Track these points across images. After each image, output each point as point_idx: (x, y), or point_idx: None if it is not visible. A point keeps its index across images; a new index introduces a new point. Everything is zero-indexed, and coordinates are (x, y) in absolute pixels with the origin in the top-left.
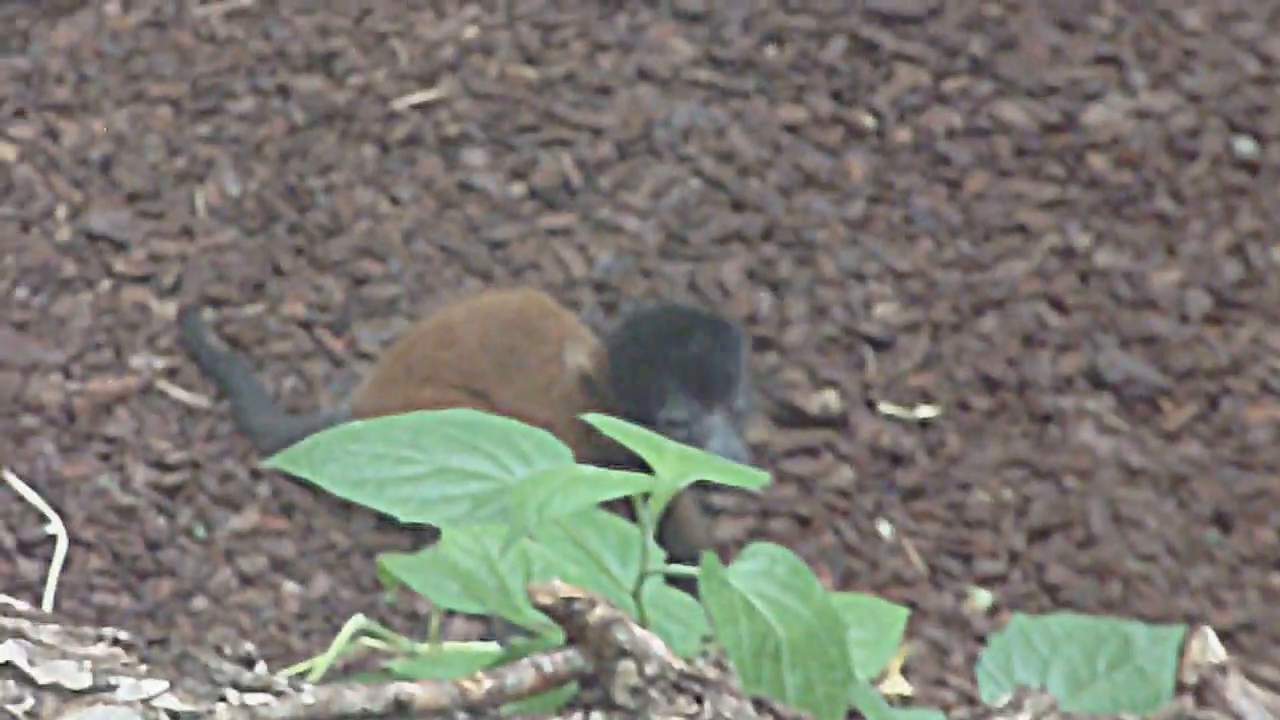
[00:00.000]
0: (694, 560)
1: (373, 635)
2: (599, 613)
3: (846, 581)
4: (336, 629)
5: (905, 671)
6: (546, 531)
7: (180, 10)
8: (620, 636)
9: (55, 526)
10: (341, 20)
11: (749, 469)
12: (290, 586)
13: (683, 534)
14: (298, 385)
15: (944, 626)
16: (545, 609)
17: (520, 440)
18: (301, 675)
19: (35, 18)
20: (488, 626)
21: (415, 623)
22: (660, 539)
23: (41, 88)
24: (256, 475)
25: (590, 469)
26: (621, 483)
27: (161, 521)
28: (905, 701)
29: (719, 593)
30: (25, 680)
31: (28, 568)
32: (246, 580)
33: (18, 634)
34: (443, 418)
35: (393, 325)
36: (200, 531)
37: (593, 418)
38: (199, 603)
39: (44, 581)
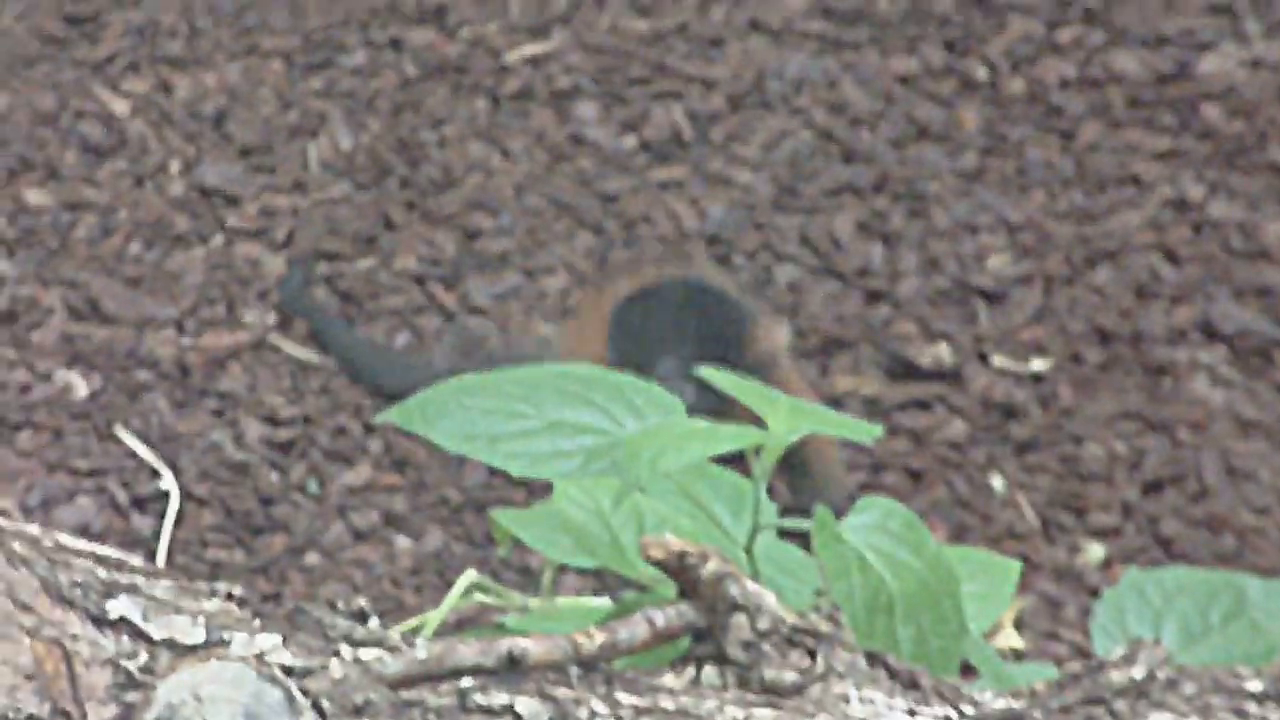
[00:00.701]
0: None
1: (485, 590)
2: (712, 567)
3: (959, 535)
4: (449, 584)
5: (1018, 625)
6: (659, 485)
7: None
8: (733, 591)
9: (168, 482)
10: None
11: (861, 423)
12: (403, 541)
13: (821, 487)
14: (410, 340)
15: (1057, 580)
16: (658, 563)
17: (633, 394)
18: (414, 631)
19: None
20: (600, 581)
21: (528, 577)
22: (796, 490)
23: (154, 41)
24: (369, 430)
25: (703, 423)
26: (734, 436)
27: (274, 477)
28: (1018, 655)
29: (832, 546)
30: (140, 635)
31: (141, 523)
32: (359, 535)
33: (132, 589)
34: (555, 372)
35: (505, 279)
36: (313, 487)
37: (707, 371)
38: (311, 558)
39: (157, 537)
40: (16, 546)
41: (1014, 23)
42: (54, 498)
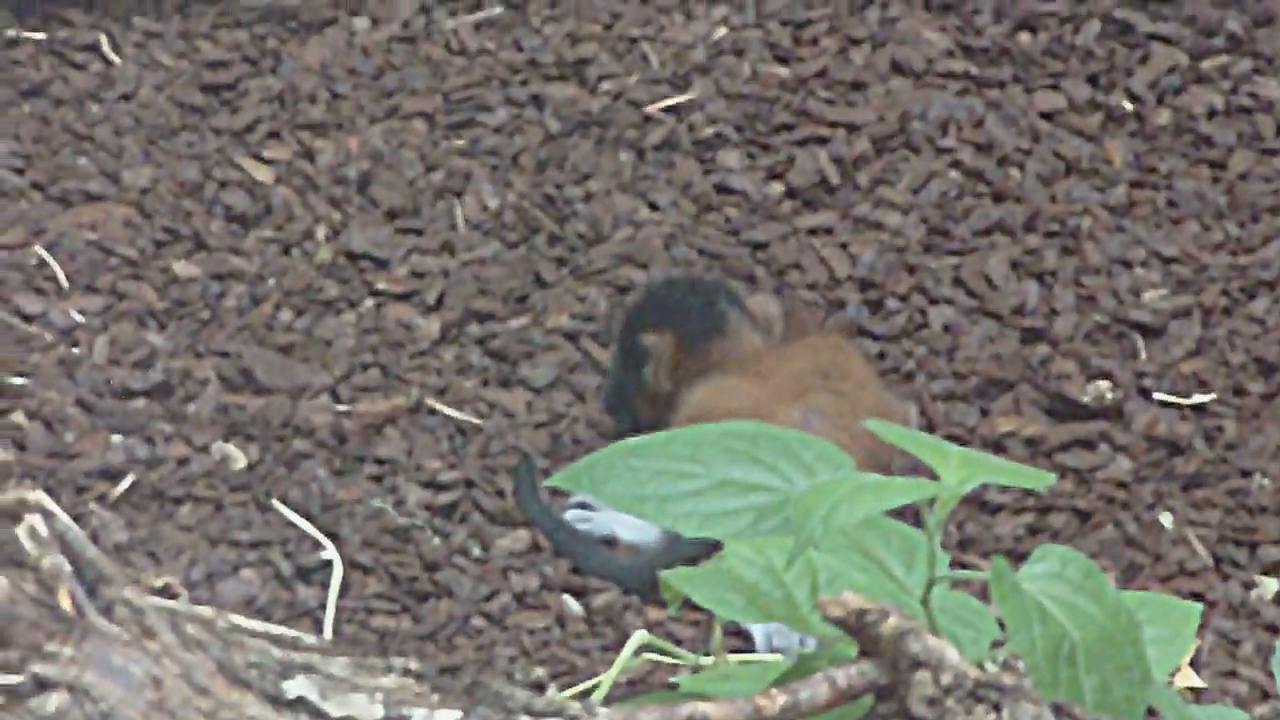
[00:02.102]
0: None
1: (656, 650)
2: (892, 623)
3: (1130, 574)
4: (618, 644)
5: (1195, 664)
6: (830, 539)
7: (430, 23)
8: (914, 647)
9: (330, 552)
10: (591, 27)
11: (1033, 470)
12: (569, 603)
13: None
14: (566, 397)
15: (1233, 616)
16: (837, 621)
17: (801, 450)
18: (586, 693)
19: (285, 38)
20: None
21: (698, 631)
22: None
23: (295, 107)
24: None
25: (873, 477)
26: (906, 489)
27: (436, 542)
28: (1197, 695)
29: (1012, 597)
30: (319, 715)
31: (306, 594)
32: (524, 598)
33: (308, 668)
34: (722, 430)
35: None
36: (476, 550)
37: (874, 424)
38: (478, 623)
39: (323, 607)
40: (190, 629)
41: (1157, 54)
42: (218, 572)
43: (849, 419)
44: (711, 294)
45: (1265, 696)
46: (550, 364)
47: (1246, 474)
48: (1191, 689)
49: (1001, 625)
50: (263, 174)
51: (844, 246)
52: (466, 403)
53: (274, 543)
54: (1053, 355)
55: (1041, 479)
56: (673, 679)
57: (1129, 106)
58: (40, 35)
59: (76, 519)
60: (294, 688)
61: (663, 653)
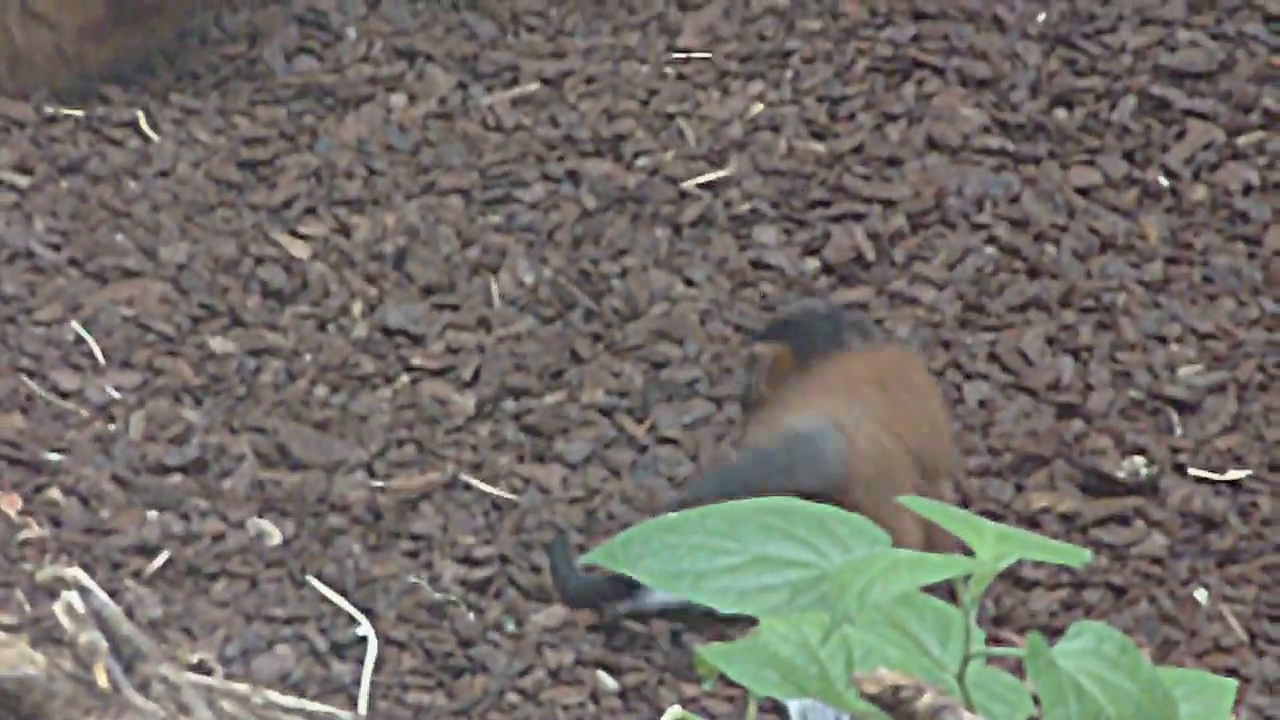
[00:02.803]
0: None
1: None
2: (927, 700)
3: (1164, 650)
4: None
5: None
6: (866, 615)
7: (466, 100)
8: None
9: (365, 628)
10: (628, 103)
11: (1069, 546)
12: (603, 678)
13: None
14: (601, 472)
15: (1268, 693)
16: (873, 698)
17: (836, 526)
18: None
19: (322, 114)
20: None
21: (733, 707)
22: None
23: (331, 183)
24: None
25: (908, 553)
26: (942, 566)
27: (471, 617)
28: None
29: (1047, 673)
30: None
31: (341, 670)
32: (559, 674)
33: None
34: (758, 506)
35: (693, 408)
36: (511, 626)
37: (910, 500)
38: (513, 698)
39: (358, 683)
40: (226, 705)
41: (1193, 130)
42: (253, 647)
43: (900, 424)
44: (840, 321)
45: None
46: (585, 439)
47: None
48: None
49: (1037, 701)
50: (299, 250)
51: (880, 322)
52: (501, 478)
53: (309, 618)
54: (1088, 431)
55: (1077, 555)
56: None
57: (1165, 182)
58: (78, 112)
59: (112, 595)
60: None
61: None
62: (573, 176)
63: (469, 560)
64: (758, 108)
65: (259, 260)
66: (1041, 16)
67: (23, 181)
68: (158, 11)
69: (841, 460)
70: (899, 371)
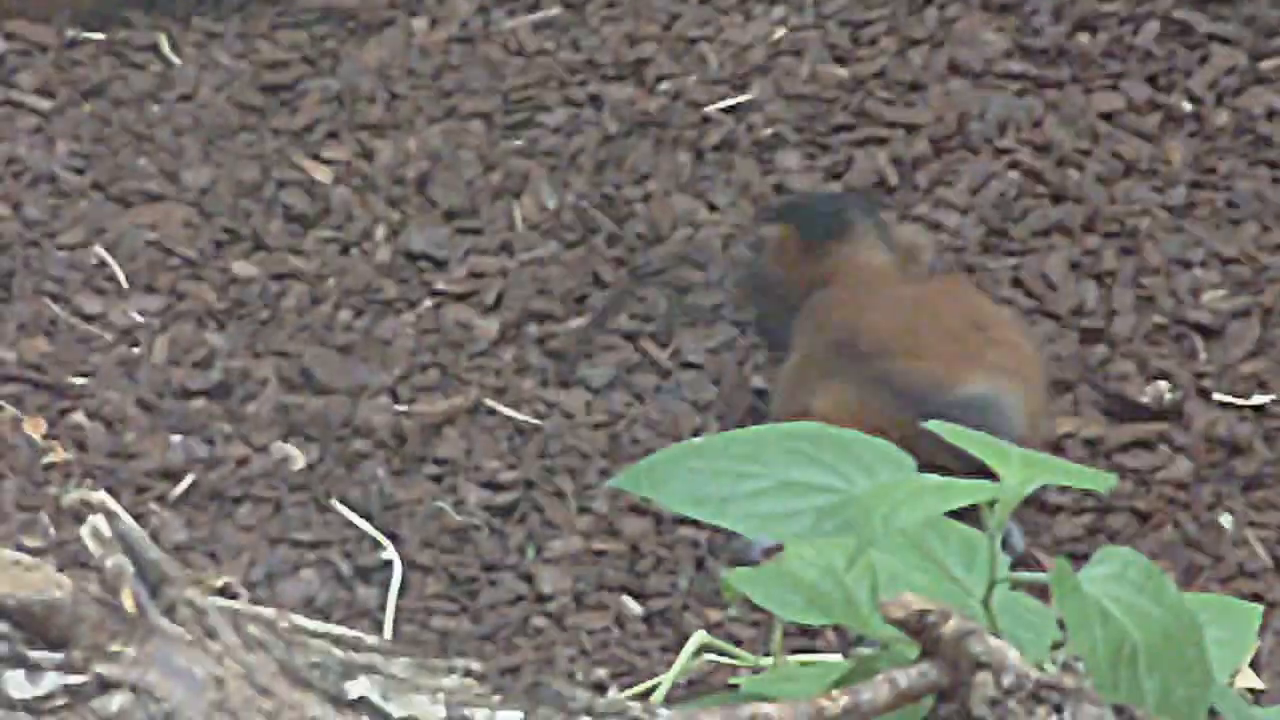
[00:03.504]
0: None
1: (715, 650)
2: (953, 625)
3: (1189, 576)
4: (678, 645)
5: (1255, 665)
6: (891, 540)
7: (488, 24)
8: (976, 648)
9: (389, 552)
10: (650, 27)
11: (1095, 472)
12: (628, 603)
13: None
14: (625, 397)
15: None
16: (898, 623)
17: (862, 451)
18: (646, 694)
19: (343, 38)
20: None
21: (759, 630)
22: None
23: (353, 108)
24: (588, 491)
25: (934, 478)
26: (967, 491)
27: (496, 542)
28: (1257, 696)
29: (1072, 598)
30: (380, 715)
31: (366, 594)
32: (583, 599)
33: (369, 669)
34: (784, 430)
35: (717, 333)
36: (535, 551)
37: (936, 425)
38: (537, 623)
39: (382, 608)
40: (253, 629)
41: (1217, 54)
42: (277, 572)
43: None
44: (846, 203)
45: None
46: (609, 364)
47: None
48: (1251, 690)
49: (1062, 626)
50: (322, 174)
51: None
52: (525, 403)
53: (333, 543)
54: (1112, 356)
55: (1102, 480)
56: (733, 680)
57: (1188, 107)
58: (100, 36)
59: (137, 519)
60: (356, 688)
61: (722, 653)
62: (595, 101)
63: (493, 485)
64: (780, 32)
65: (281, 184)
66: None
67: (45, 105)
68: None
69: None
70: (987, 310)
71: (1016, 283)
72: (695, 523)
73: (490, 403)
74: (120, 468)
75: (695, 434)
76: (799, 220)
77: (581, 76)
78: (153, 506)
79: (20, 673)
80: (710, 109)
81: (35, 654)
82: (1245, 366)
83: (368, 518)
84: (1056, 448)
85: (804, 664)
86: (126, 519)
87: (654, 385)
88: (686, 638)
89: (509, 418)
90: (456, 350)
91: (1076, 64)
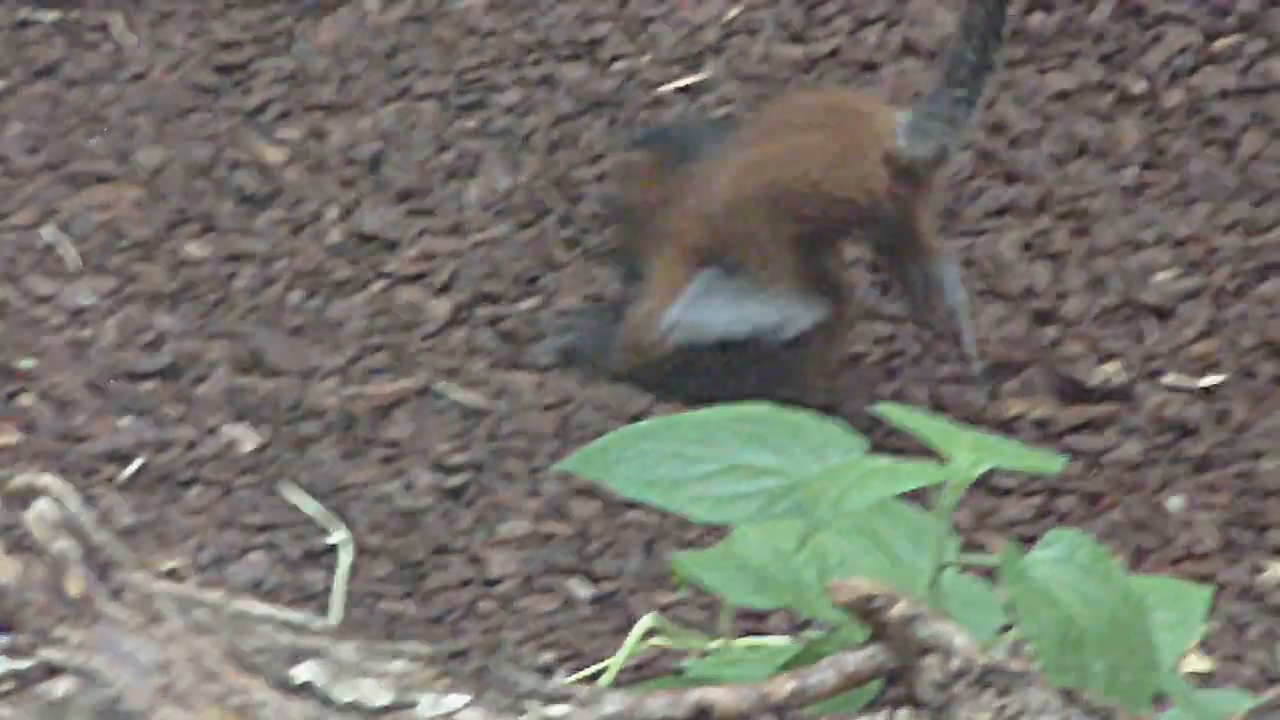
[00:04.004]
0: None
1: (664, 634)
2: (901, 609)
3: (1138, 558)
4: (626, 628)
5: (1203, 648)
6: (840, 523)
7: (442, 3)
8: (923, 631)
9: (338, 535)
10: (603, 7)
11: (1043, 454)
12: (576, 586)
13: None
14: (576, 380)
15: (1240, 600)
16: (846, 606)
17: (812, 433)
18: (594, 677)
19: (297, 17)
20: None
21: (707, 613)
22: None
23: (306, 88)
24: (538, 474)
25: (883, 461)
26: (916, 474)
27: (445, 525)
28: (1205, 679)
29: (1020, 582)
30: (327, 700)
31: (314, 577)
32: (532, 582)
33: (316, 653)
34: (732, 413)
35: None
36: (483, 535)
37: (886, 408)
38: (485, 606)
39: (330, 591)
40: (199, 613)
41: (1171, 34)
42: (226, 555)
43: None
44: (702, 129)
45: (1273, 681)
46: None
47: (1256, 457)
48: (1199, 673)
49: (1010, 610)
50: (274, 155)
51: None
52: (475, 385)
53: (282, 526)
54: (1062, 337)
55: (1051, 463)
56: (681, 663)
57: (1141, 87)
58: (52, 15)
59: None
60: (302, 673)
61: (671, 637)
62: (548, 81)
63: (442, 467)
64: (734, 11)
65: (233, 165)
66: None
67: None
68: None
69: None
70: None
71: (968, 263)
72: (645, 506)
73: (440, 385)
74: (69, 450)
75: (644, 417)
76: (655, 146)
77: (535, 56)
78: (101, 489)
79: None
80: (664, 89)
81: None
82: (1196, 348)
83: (317, 500)
84: (1007, 428)
85: (752, 647)
86: (74, 502)
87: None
88: (635, 621)
89: (459, 400)
90: (407, 332)
91: (1030, 43)
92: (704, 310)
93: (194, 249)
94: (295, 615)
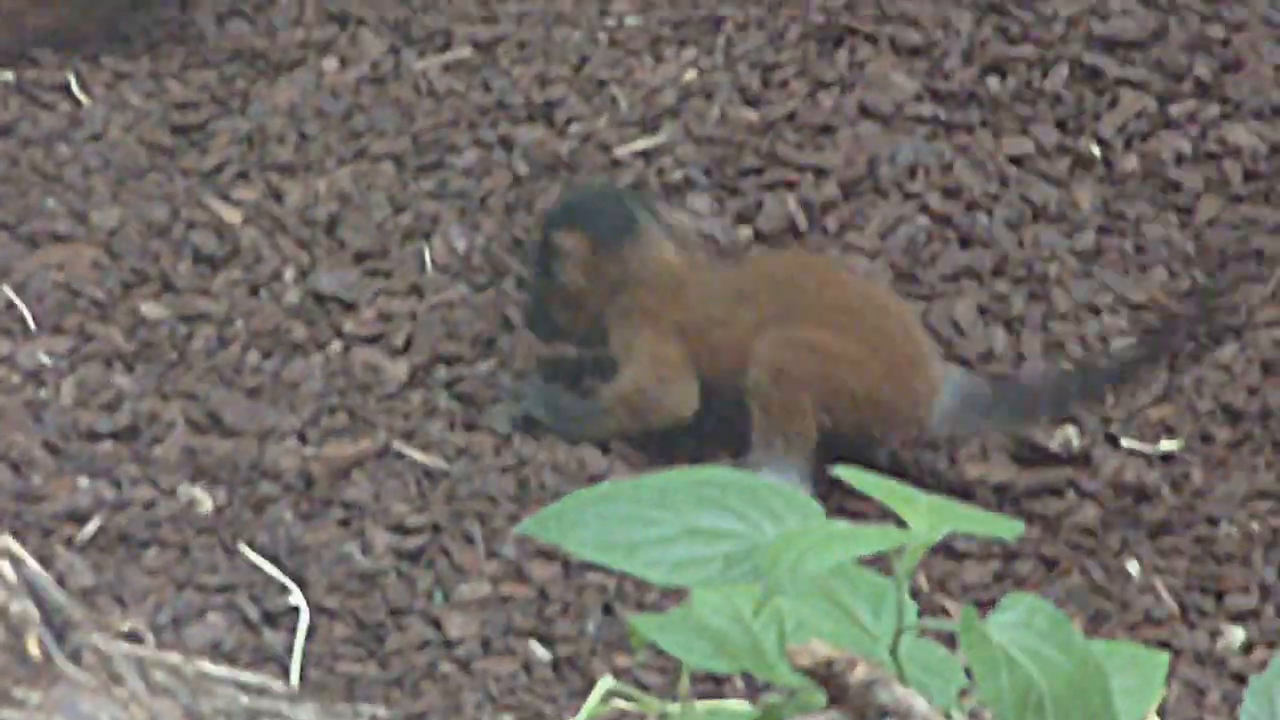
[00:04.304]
0: None
1: (623, 696)
2: (860, 673)
3: (1096, 622)
4: (585, 690)
5: (1162, 713)
6: (799, 587)
7: (398, 65)
8: (883, 696)
9: (297, 597)
10: (560, 69)
11: (1002, 518)
12: (535, 648)
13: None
14: (533, 442)
15: (1199, 665)
16: (806, 670)
17: (770, 497)
18: None
19: (253, 78)
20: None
21: (666, 676)
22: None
23: (263, 148)
24: (497, 536)
25: (842, 525)
26: (875, 538)
27: (403, 587)
28: None
29: (979, 646)
30: None
31: (273, 639)
32: (491, 645)
33: (275, 715)
34: (690, 477)
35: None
36: (440, 597)
37: (844, 472)
38: (445, 668)
39: (290, 652)
40: (158, 675)
41: (1126, 99)
42: (184, 615)
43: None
44: (624, 199)
45: None
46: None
47: (1213, 521)
48: None
49: (969, 674)
50: (231, 215)
51: None
52: (434, 446)
53: (240, 587)
54: None
55: (1010, 528)
56: None
57: (1097, 152)
58: (8, 75)
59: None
60: None
61: (630, 699)
62: (505, 143)
63: (401, 529)
64: (691, 74)
65: (191, 225)
66: None
67: None
68: None
69: None
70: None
71: (925, 327)
72: (603, 568)
73: (399, 446)
74: (26, 510)
75: (602, 479)
76: (588, 227)
77: (492, 118)
78: (59, 549)
79: None
80: (621, 151)
81: None
82: (1153, 413)
83: (275, 561)
84: (965, 493)
85: (711, 711)
86: (32, 563)
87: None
88: (594, 683)
89: (417, 461)
90: (365, 393)
91: (986, 108)
92: None
93: (151, 309)
94: (254, 677)
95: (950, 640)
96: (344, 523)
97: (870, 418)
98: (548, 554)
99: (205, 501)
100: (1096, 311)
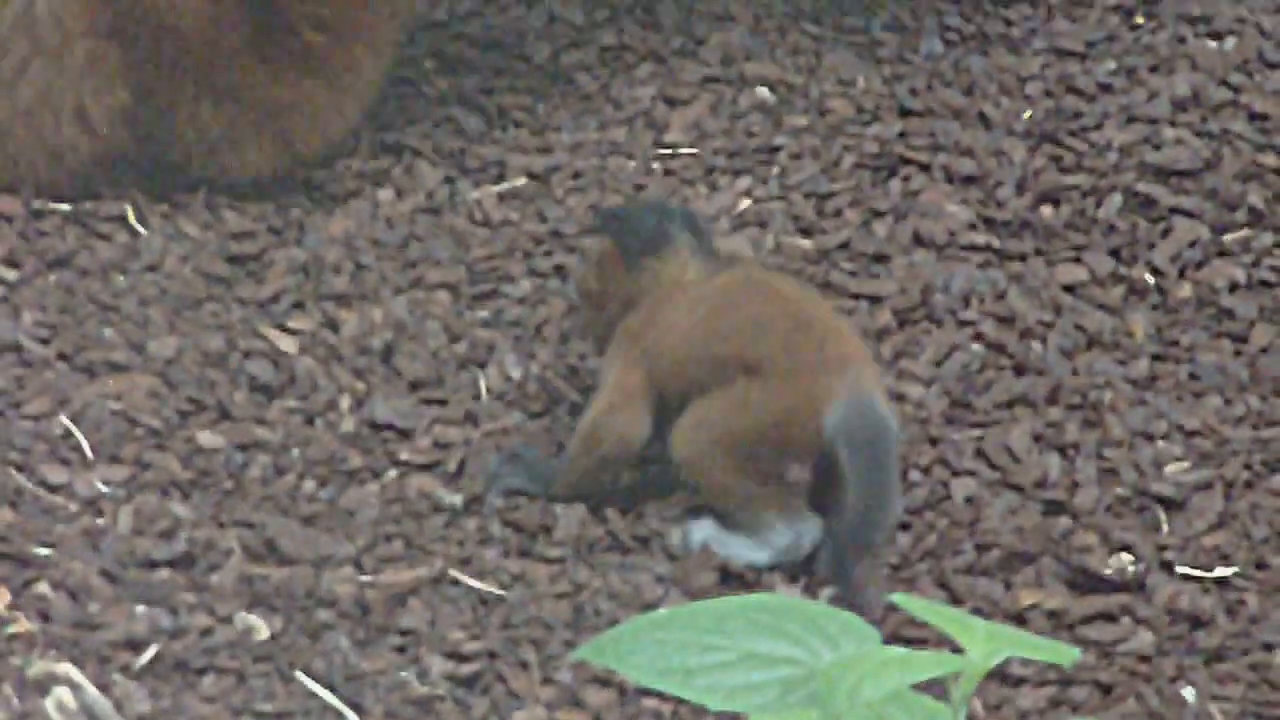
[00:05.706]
0: None
1: None
2: None
3: None
4: None
5: None
6: (855, 713)
7: (454, 195)
8: None
9: None
10: (615, 197)
11: (1057, 644)
12: None
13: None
14: (588, 569)
15: None
16: None
17: (826, 622)
18: None
19: (310, 209)
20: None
21: None
22: None
23: (319, 278)
24: (552, 662)
25: (898, 650)
26: (932, 663)
27: (460, 713)
28: None
29: None
30: None
31: None
32: None
33: None
34: (747, 603)
35: (678, 501)
36: None
37: (901, 598)
38: None
39: None
40: None
41: (1179, 227)
42: None
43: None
44: (667, 215)
45: None
46: (572, 535)
47: (1269, 648)
48: None
49: None
50: (287, 344)
51: None
52: (489, 573)
53: (297, 714)
54: (1075, 528)
55: (1066, 654)
56: None
57: (1151, 280)
58: (66, 206)
59: (101, 689)
60: None
61: None
62: (560, 271)
63: (457, 655)
64: (745, 203)
65: (247, 354)
66: (1027, 114)
67: (11, 275)
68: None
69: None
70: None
71: (979, 454)
72: (660, 694)
73: (454, 573)
74: (84, 638)
75: (657, 605)
76: (618, 233)
77: (546, 247)
78: (116, 677)
79: None
80: None
81: None
82: (1208, 539)
83: (331, 689)
84: (1020, 619)
85: None
86: (91, 690)
87: (619, 561)
88: None
89: (473, 588)
90: (420, 520)
91: (1039, 236)
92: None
93: (208, 438)
94: None
95: None
96: (400, 649)
97: (780, 438)
98: (603, 680)
99: (261, 629)
100: (1151, 439)
